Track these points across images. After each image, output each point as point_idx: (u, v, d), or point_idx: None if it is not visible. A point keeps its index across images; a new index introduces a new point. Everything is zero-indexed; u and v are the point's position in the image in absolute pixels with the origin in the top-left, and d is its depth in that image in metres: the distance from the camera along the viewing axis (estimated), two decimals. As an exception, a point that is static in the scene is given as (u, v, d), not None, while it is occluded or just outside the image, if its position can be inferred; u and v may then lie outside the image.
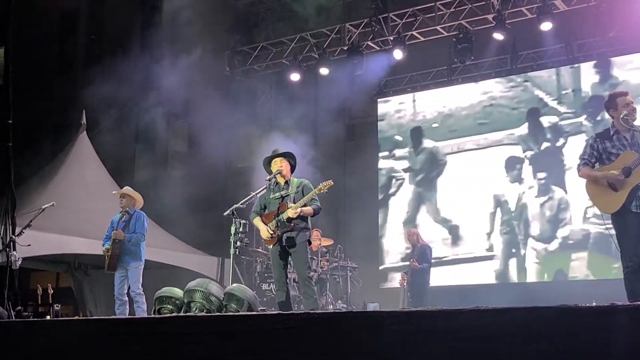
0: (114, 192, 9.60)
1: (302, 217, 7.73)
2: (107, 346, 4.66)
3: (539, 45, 13.09)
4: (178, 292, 6.87)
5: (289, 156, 8.02)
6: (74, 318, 7.83)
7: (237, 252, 8.27)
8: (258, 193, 8.16)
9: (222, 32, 15.02)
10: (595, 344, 3.33)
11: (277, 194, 7.86)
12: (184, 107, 16.92)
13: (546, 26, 11.82)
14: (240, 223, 8.15)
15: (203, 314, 6.15)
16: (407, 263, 11.23)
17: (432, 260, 11.26)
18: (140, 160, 17.81)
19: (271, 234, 7.76)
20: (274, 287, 8.58)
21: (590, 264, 12.11)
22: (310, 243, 8.06)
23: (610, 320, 3.40)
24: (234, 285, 6.96)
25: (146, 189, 13.94)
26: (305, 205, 7.66)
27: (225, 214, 8.11)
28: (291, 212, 7.56)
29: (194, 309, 6.44)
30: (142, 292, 8.85)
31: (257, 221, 7.92)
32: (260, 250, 12.57)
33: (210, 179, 14.43)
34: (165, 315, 6.02)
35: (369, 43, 13.61)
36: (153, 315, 6.33)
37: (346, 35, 13.72)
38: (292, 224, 7.65)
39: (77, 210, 12.05)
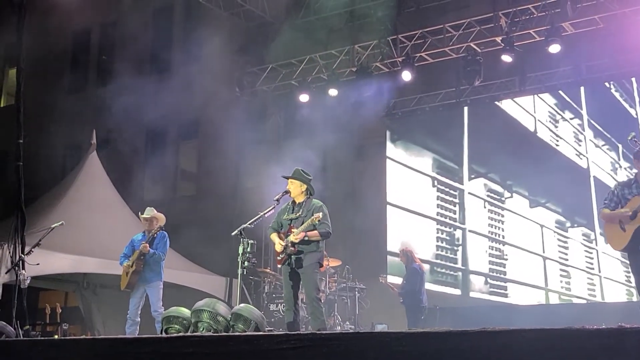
0: (142, 215, 9.60)
1: (308, 241, 7.76)
2: (114, 365, 4.67)
3: (547, 67, 13.11)
4: (185, 312, 6.87)
5: (296, 178, 8.03)
6: (82, 337, 7.82)
7: (245, 272, 8.28)
8: (266, 213, 8.21)
9: (232, 54, 15.13)
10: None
11: (290, 216, 7.93)
12: (194, 127, 17.04)
13: (554, 48, 11.85)
14: (249, 243, 8.17)
15: (210, 334, 6.14)
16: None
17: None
18: (149, 180, 17.89)
19: (280, 254, 7.83)
20: (283, 306, 8.59)
21: None
22: (321, 265, 8.09)
23: (617, 342, 3.39)
24: (242, 305, 6.97)
25: (155, 208, 14.02)
26: (314, 229, 7.70)
27: (233, 234, 8.13)
28: (293, 237, 7.62)
29: (201, 329, 6.44)
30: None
31: (274, 236, 7.97)
32: (268, 270, 12.57)
33: (218, 199, 14.48)
34: (172, 335, 6.02)
35: (378, 64, 13.67)
36: (160, 335, 6.33)
37: (355, 57, 13.79)
38: (295, 248, 7.69)
39: (86, 230, 12.09)
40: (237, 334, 6.14)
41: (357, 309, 11.63)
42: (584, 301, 12.28)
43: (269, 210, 8.30)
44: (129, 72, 16.27)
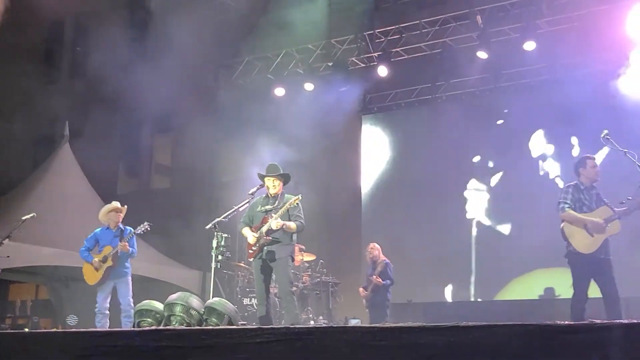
0: (119, 206, 9.51)
1: (285, 233, 7.77)
2: (85, 359, 4.63)
3: (522, 64, 13.19)
4: (158, 305, 6.84)
5: (282, 177, 8.06)
6: (53, 330, 7.75)
7: (219, 266, 8.26)
8: (240, 207, 8.21)
9: (208, 46, 15.03)
10: (570, 359, 3.36)
11: (263, 208, 7.93)
12: (169, 119, 16.90)
13: (529, 46, 11.93)
14: (222, 237, 8.15)
15: (183, 327, 6.12)
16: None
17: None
18: (123, 173, 17.75)
19: (253, 247, 7.80)
20: (255, 301, 8.59)
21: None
22: (293, 259, 8.10)
23: (587, 337, 3.43)
24: (215, 299, 6.95)
25: (129, 201, 13.87)
26: (289, 219, 7.73)
27: (207, 227, 8.12)
28: (274, 223, 7.60)
29: (174, 323, 6.42)
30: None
31: (246, 231, 7.96)
32: (242, 264, 12.53)
33: (193, 192, 14.40)
34: (145, 329, 5.98)
35: (354, 59, 13.68)
36: (133, 329, 6.29)
37: (331, 51, 13.78)
38: (270, 238, 7.70)
39: (58, 222, 11.97)
40: (210, 327, 6.12)
41: (330, 304, 11.64)
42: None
43: (244, 204, 8.30)
44: (103, 64, 16.11)
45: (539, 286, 12.13)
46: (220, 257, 8.16)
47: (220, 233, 8.13)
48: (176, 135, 17.14)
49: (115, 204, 9.58)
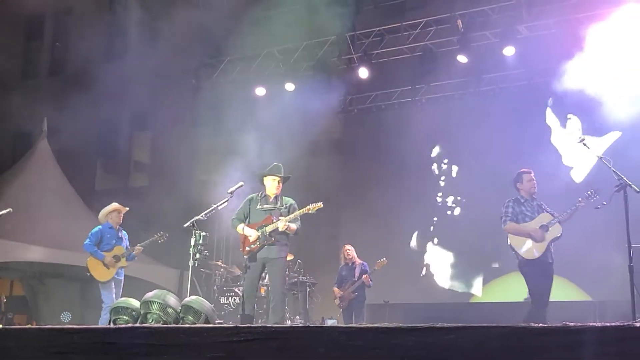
0: (120, 206, 9.90)
1: (284, 234, 7.87)
2: (60, 356, 4.61)
3: (502, 69, 13.28)
4: (135, 303, 6.81)
5: (285, 179, 8.23)
6: (27, 327, 7.70)
7: (197, 265, 8.26)
8: (219, 206, 8.23)
9: (189, 45, 14.99)
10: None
11: (265, 207, 7.99)
12: (148, 117, 16.83)
13: (509, 51, 12.02)
14: (201, 235, 8.16)
15: (159, 325, 6.10)
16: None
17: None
18: (101, 170, 17.64)
19: (252, 244, 7.86)
20: (242, 296, 8.62)
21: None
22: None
23: (561, 339, 3.47)
24: (192, 297, 6.94)
25: (106, 198, 13.80)
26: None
27: (185, 225, 8.13)
28: (281, 224, 7.69)
29: (151, 320, 6.39)
30: None
31: (242, 227, 8.00)
32: (220, 263, 12.53)
33: (171, 191, 14.35)
34: (121, 326, 5.96)
35: (335, 60, 13.70)
36: (108, 326, 6.27)
37: (313, 52, 13.79)
38: (273, 238, 7.78)
39: (34, 218, 11.90)
40: (186, 325, 6.11)
41: (307, 304, 11.67)
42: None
43: (223, 203, 8.32)
44: (83, 60, 16.01)
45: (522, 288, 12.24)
46: (198, 256, 8.16)
47: (198, 231, 8.14)
48: (155, 133, 17.07)
49: (117, 204, 9.84)
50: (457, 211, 13.56)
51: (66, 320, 11.71)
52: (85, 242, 9.63)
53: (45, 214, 12.25)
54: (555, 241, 7.71)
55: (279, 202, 8.07)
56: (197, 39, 14.87)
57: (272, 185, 8.11)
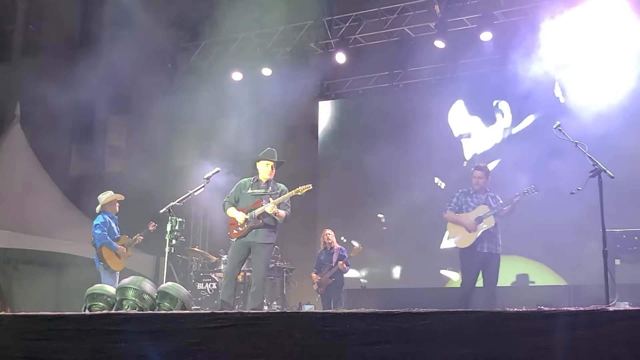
0: (119, 198, 10.06)
1: (273, 220, 7.87)
2: (36, 342, 4.57)
3: (479, 55, 13.31)
4: (110, 289, 6.77)
5: (278, 164, 8.30)
6: (2, 314, 7.63)
7: (173, 251, 8.24)
8: (195, 191, 8.21)
9: (165, 28, 14.84)
10: (518, 347, 3.42)
11: (255, 191, 8.00)
12: (124, 102, 16.67)
13: (486, 36, 12.04)
14: (177, 221, 8.14)
15: (135, 311, 6.07)
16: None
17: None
18: (76, 155, 17.47)
19: (239, 227, 7.86)
20: (222, 280, 8.63)
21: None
22: (274, 246, 8.26)
23: (536, 324, 3.50)
24: (168, 283, 6.91)
25: (81, 184, 13.71)
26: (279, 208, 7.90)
27: (161, 211, 8.10)
28: (269, 207, 7.70)
29: (126, 307, 6.35)
30: None
31: (232, 211, 8.00)
32: (196, 249, 12.49)
33: (147, 176, 14.24)
34: (96, 313, 5.92)
35: (313, 45, 13.65)
36: (84, 313, 6.22)
37: (290, 37, 13.72)
38: (261, 222, 7.80)
39: (7, 203, 11.78)
40: (162, 312, 6.08)
41: (284, 289, 11.69)
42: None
43: (199, 189, 8.29)
44: (57, 43, 15.81)
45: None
46: (174, 242, 8.15)
47: (174, 217, 8.12)
48: (131, 117, 16.92)
49: (114, 193, 9.99)
50: (441, 194, 13.57)
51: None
52: (98, 233, 9.69)
53: (19, 200, 12.12)
54: (490, 232, 8.20)
55: (270, 187, 8.09)
56: (174, 22, 14.72)
57: (265, 170, 8.14)
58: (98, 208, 9.95)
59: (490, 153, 12.99)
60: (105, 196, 9.97)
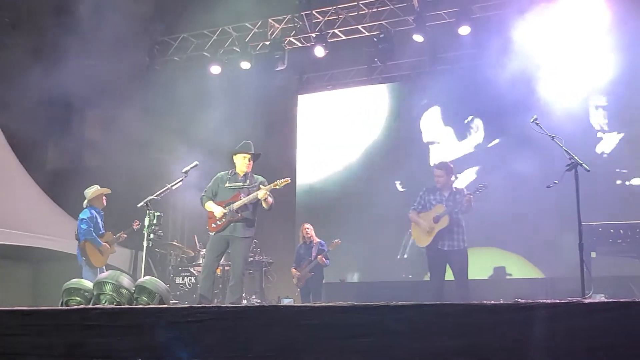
0: (106, 192, 10.07)
1: (250, 215, 7.86)
2: (12, 338, 4.53)
3: (457, 49, 13.37)
4: (87, 284, 6.72)
5: (256, 157, 8.33)
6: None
7: (151, 245, 8.22)
8: (173, 185, 8.19)
9: (142, 21, 14.72)
10: (496, 339, 3.44)
11: (233, 184, 8.00)
12: (101, 95, 16.52)
13: (464, 30, 12.07)
14: (155, 215, 8.11)
15: (113, 306, 6.03)
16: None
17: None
18: (53, 149, 17.30)
19: (218, 221, 7.85)
20: (201, 274, 8.62)
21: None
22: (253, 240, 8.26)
23: (513, 317, 3.52)
24: (146, 277, 6.87)
25: (59, 178, 13.57)
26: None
27: (139, 205, 8.06)
28: (262, 193, 7.73)
29: (104, 302, 6.31)
30: None
31: (210, 204, 8.00)
32: (175, 243, 12.44)
33: (125, 170, 14.15)
34: (73, 307, 5.87)
35: (291, 39, 13.62)
36: (60, 307, 6.18)
37: (269, 30, 13.68)
38: (240, 215, 7.80)
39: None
40: (140, 306, 6.05)
41: (263, 283, 11.68)
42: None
43: (177, 183, 8.27)
44: (32, 35, 15.61)
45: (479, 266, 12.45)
46: (152, 236, 8.12)
47: (152, 211, 8.09)
48: (109, 111, 16.78)
49: (101, 188, 9.99)
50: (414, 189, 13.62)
51: None
52: (83, 228, 9.66)
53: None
54: (447, 230, 8.44)
55: (248, 180, 8.09)
56: (151, 15, 14.61)
57: (242, 163, 8.15)
58: (85, 202, 9.92)
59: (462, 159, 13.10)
60: (91, 190, 9.95)
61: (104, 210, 10.07)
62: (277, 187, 8.00)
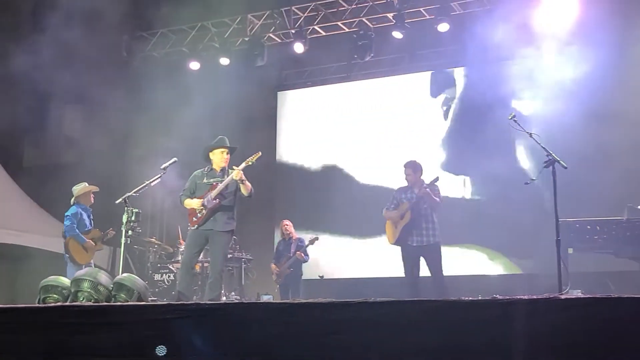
0: (93, 189, 10.05)
1: (230, 208, 7.81)
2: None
3: (437, 46, 13.42)
4: (65, 281, 6.67)
5: (232, 150, 8.25)
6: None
7: (129, 242, 8.17)
8: (152, 182, 8.15)
9: (121, 16, 14.60)
10: (474, 335, 3.47)
11: (211, 180, 7.96)
12: (79, 91, 16.38)
13: (443, 27, 12.10)
14: (133, 212, 8.06)
15: (91, 304, 5.99)
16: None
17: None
18: (30, 145, 17.14)
19: (198, 214, 7.80)
20: (179, 270, 8.58)
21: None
22: (233, 234, 8.20)
23: (491, 313, 3.55)
24: (124, 274, 6.84)
25: (36, 174, 13.46)
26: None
27: (117, 202, 8.01)
28: (235, 173, 7.67)
29: (82, 299, 6.27)
30: None
31: (189, 201, 7.96)
32: (153, 240, 12.38)
33: (104, 166, 14.06)
34: (50, 305, 5.83)
35: (271, 35, 13.58)
36: (37, 305, 6.13)
37: (248, 26, 13.64)
38: (218, 201, 7.73)
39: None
40: (119, 303, 6.02)
41: (243, 280, 11.67)
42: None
43: (156, 179, 8.23)
44: (8, 29, 15.45)
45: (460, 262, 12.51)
46: (130, 233, 8.07)
47: (130, 208, 8.04)
48: (87, 107, 16.65)
49: (88, 185, 9.95)
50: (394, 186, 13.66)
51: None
52: (67, 224, 9.65)
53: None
54: (414, 226, 8.63)
55: (225, 175, 8.04)
56: (129, 10, 14.50)
57: (220, 158, 8.10)
58: (72, 200, 9.92)
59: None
60: (78, 188, 9.94)
61: (92, 207, 10.00)
62: (250, 163, 7.93)
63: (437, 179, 8.67)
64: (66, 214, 9.81)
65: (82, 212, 9.83)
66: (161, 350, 3.93)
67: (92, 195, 9.99)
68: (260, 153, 8.06)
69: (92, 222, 9.97)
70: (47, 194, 12.34)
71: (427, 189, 8.57)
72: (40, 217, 12.85)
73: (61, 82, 14.50)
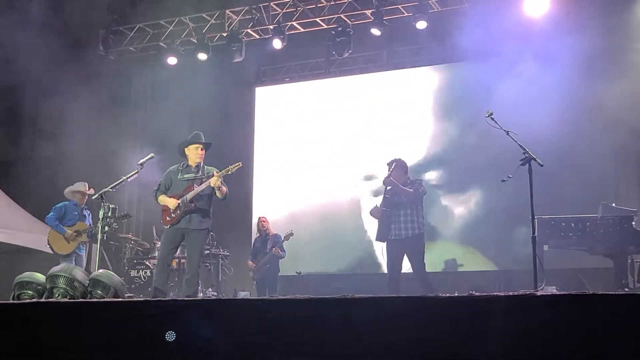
0: (87, 190, 10.12)
1: (205, 210, 7.79)
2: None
3: (415, 43, 13.47)
4: (40, 277, 6.60)
5: (208, 146, 8.21)
6: None
7: (105, 237, 8.13)
8: (129, 177, 8.10)
9: (97, 10, 14.48)
10: (451, 331, 3.49)
11: (186, 176, 7.93)
12: (54, 85, 16.24)
13: (421, 25, 12.14)
14: (109, 207, 8.02)
15: (66, 300, 5.95)
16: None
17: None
18: (3, 139, 16.96)
19: (173, 213, 7.77)
20: (155, 267, 8.54)
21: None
22: (209, 232, 8.17)
23: (468, 309, 3.58)
24: (100, 271, 6.78)
25: (9, 168, 13.33)
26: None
27: (93, 197, 7.97)
28: (214, 179, 7.64)
29: (57, 295, 6.21)
30: None
31: (163, 198, 7.92)
32: (130, 236, 12.31)
33: (79, 161, 13.96)
34: (25, 301, 5.78)
35: (249, 30, 13.54)
36: (12, 301, 6.07)
37: (226, 22, 13.58)
38: (194, 205, 7.72)
39: None
40: (94, 300, 5.98)
41: (220, 276, 11.65)
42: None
43: (132, 175, 8.18)
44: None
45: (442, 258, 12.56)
46: (106, 229, 8.03)
47: (107, 204, 8.00)
48: (63, 101, 16.50)
49: (82, 187, 10.08)
50: (375, 183, 13.69)
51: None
52: (48, 215, 9.92)
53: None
54: (390, 219, 8.58)
55: (201, 171, 8.02)
56: (106, 4, 14.39)
57: (195, 154, 8.08)
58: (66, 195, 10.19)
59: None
60: (69, 187, 10.22)
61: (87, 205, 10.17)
62: (230, 172, 7.92)
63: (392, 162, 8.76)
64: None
65: (71, 207, 10.02)
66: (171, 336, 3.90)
67: (84, 197, 10.12)
68: (240, 164, 8.03)
69: (86, 217, 10.13)
70: (21, 188, 12.22)
71: (391, 178, 8.60)
72: (14, 212, 12.71)
73: (36, 76, 14.37)
